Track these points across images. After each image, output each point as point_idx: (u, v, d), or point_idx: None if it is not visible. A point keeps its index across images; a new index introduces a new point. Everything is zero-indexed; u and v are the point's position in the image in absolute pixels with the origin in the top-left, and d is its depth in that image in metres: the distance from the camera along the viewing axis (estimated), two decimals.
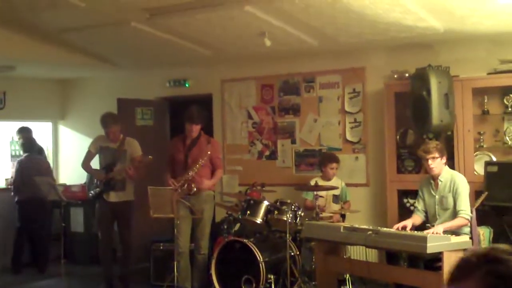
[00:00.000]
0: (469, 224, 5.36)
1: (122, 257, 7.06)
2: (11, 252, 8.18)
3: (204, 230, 6.49)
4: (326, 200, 6.75)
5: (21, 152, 8.40)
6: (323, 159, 7.14)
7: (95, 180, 6.90)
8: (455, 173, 5.56)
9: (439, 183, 5.47)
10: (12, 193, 8.14)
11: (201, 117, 6.45)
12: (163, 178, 6.44)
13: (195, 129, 6.42)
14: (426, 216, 5.62)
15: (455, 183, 5.37)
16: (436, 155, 5.37)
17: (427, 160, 5.41)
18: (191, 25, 6.19)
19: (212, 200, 6.68)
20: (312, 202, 6.64)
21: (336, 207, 6.80)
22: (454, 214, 5.35)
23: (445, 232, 5.07)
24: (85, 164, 7.02)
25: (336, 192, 6.82)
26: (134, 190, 6.96)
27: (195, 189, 6.28)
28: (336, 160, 6.95)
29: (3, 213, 8.36)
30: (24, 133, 8.44)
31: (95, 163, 7.06)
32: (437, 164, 5.40)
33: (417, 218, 5.57)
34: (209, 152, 6.28)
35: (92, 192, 6.92)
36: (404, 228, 5.29)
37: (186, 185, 6.20)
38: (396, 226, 5.37)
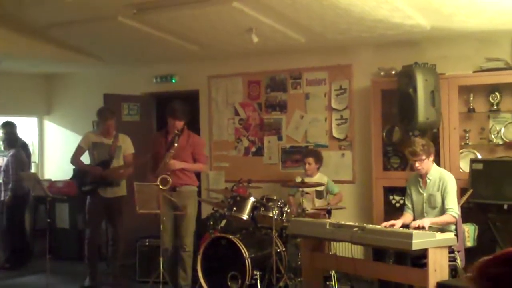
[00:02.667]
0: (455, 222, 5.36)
1: (112, 253, 7.03)
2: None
3: (188, 227, 6.38)
4: (310, 195, 6.77)
5: (2, 148, 8.34)
6: (302, 156, 7.18)
7: (88, 175, 6.84)
8: (443, 171, 5.52)
9: (428, 181, 5.42)
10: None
11: (184, 113, 6.28)
12: (147, 176, 6.38)
13: (178, 124, 6.23)
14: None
15: (444, 182, 5.32)
16: (423, 157, 5.30)
17: (414, 162, 5.38)
18: (178, 20, 6.17)
19: (195, 197, 6.53)
20: (293, 198, 6.83)
21: (319, 202, 6.81)
22: (442, 212, 5.31)
23: (431, 227, 5.08)
24: (75, 160, 6.93)
25: (319, 188, 6.81)
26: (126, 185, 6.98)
27: (169, 183, 6.06)
28: (311, 155, 6.93)
29: None
30: (7, 127, 8.35)
31: (85, 159, 7.01)
32: (424, 165, 5.34)
33: (408, 217, 5.49)
34: (175, 144, 6.13)
35: (86, 187, 6.85)
36: (391, 226, 5.25)
37: (161, 179, 6.00)
38: (384, 224, 5.33)
